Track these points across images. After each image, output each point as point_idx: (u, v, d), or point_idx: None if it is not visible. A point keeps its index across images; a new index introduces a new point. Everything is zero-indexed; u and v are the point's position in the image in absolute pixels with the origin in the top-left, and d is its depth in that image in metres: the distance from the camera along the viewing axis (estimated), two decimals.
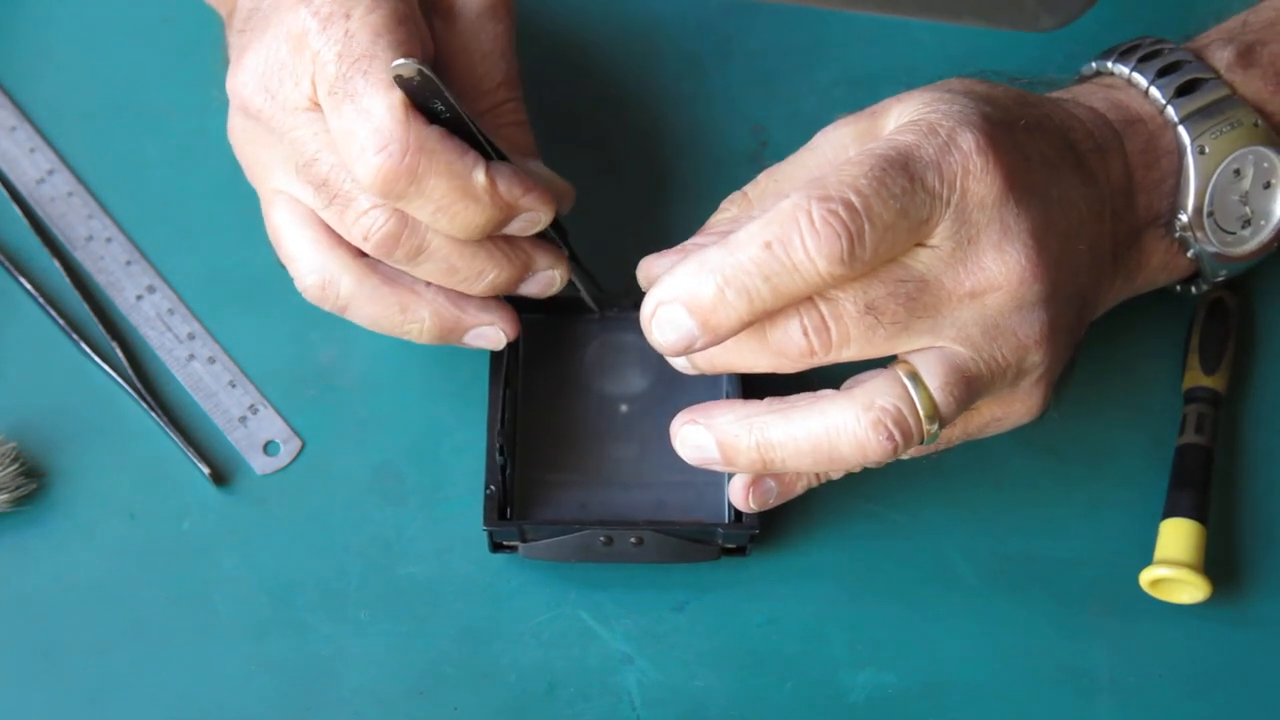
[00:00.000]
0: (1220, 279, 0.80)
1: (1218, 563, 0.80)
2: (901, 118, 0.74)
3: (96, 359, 0.83)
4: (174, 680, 0.78)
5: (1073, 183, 0.74)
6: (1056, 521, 0.81)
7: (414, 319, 0.77)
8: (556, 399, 0.81)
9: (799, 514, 0.81)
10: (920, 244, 0.71)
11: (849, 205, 0.69)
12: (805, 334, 0.71)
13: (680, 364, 0.75)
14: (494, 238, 0.76)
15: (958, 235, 0.71)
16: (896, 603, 0.80)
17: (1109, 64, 0.80)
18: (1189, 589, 0.79)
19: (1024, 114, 0.75)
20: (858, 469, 0.75)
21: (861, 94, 0.89)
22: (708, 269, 0.70)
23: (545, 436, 0.81)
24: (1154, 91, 0.79)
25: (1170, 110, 0.78)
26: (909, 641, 0.79)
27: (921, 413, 0.71)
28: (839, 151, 0.76)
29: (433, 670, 0.78)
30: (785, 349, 0.71)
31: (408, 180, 0.72)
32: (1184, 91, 0.79)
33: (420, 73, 0.71)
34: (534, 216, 0.75)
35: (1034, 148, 0.74)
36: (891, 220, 0.69)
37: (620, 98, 0.89)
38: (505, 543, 0.79)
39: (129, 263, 0.86)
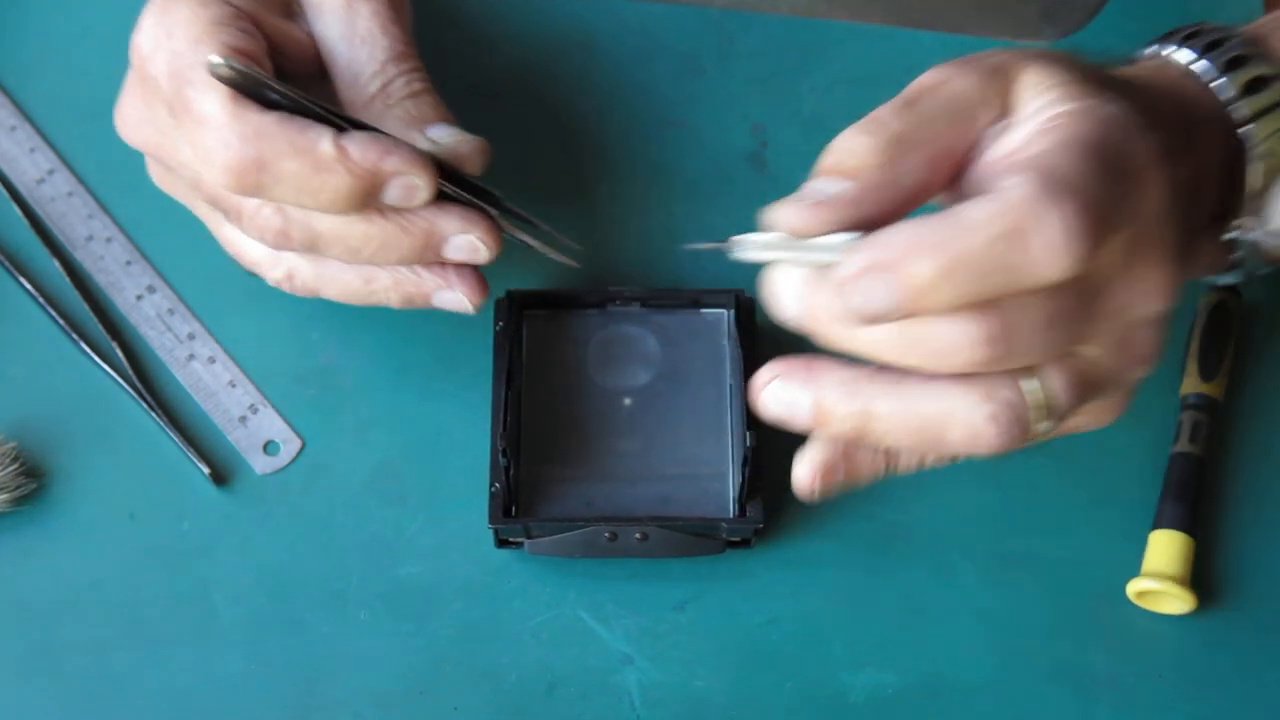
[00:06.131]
0: (1259, 275, 0.77)
1: (1217, 562, 0.80)
2: (1042, 97, 0.67)
3: (96, 359, 0.83)
4: (174, 680, 0.78)
5: (1181, 193, 0.70)
6: (1056, 521, 0.81)
7: (380, 288, 0.77)
8: (560, 394, 0.82)
9: (800, 512, 0.81)
10: None
11: (1097, 207, 0.63)
12: (978, 345, 0.65)
13: (793, 319, 0.67)
14: (384, 210, 0.75)
15: (1130, 247, 0.66)
16: (896, 603, 0.80)
17: (1172, 50, 0.75)
18: (1175, 601, 0.79)
19: (1156, 116, 0.69)
20: (948, 460, 0.71)
21: (861, 94, 0.89)
22: (926, 248, 0.63)
23: (549, 432, 0.81)
24: (1218, 86, 0.74)
25: (1238, 108, 0.74)
26: (909, 641, 0.79)
27: (1042, 411, 0.67)
28: (967, 107, 0.68)
29: (433, 670, 0.78)
30: (947, 352, 0.65)
31: (256, 169, 0.72)
32: (1250, 89, 0.74)
33: (232, 67, 0.71)
34: (407, 182, 0.74)
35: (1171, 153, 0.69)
36: (1122, 222, 0.65)
37: (620, 97, 0.89)
38: (510, 539, 0.79)
39: (129, 263, 0.86)
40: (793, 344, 0.84)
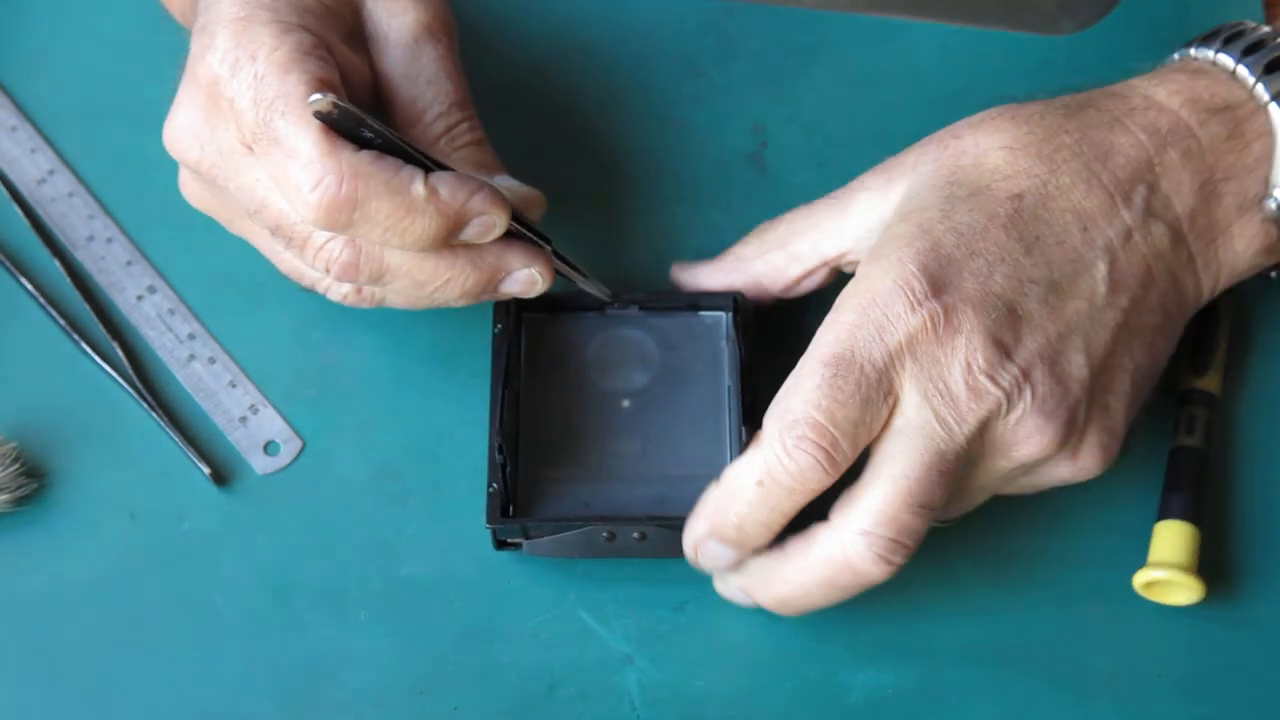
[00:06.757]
0: None
1: (1216, 562, 0.80)
2: (889, 226, 0.76)
3: (97, 359, 0.83)
4: (174, 680, 0.78)
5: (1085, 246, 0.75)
6: (1056, 521, 0.81)
7: (441, 297, 0.77)
8: (559, 395, 0.82)
9: (799, 512, 0.80)
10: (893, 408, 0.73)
11: (815, 425, 0.72)
12: (878, 560, 0.74)
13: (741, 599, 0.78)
14: (455, 246, 0.76)
15: (921, 388, 0.73)
16: (896, 603, 0.80)
17: (1191, 51, 0.79)
18: (1183, 591, 0.79)
19: (1013, 203, 0.75)
20: None
21: (861, 94, 0.89)
22: (720, 515, 0.74)
23: (548, 433, 0.81)
24: (1241, 71, 0.78)
25: (1260, 88, 0.77)
26: (909, 641, 0.79)
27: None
28: (866, 214, 0.78)
29: (433, 670, 0.78)
30: (857, 567, 0.74)
31: (349, 209, 0.72)
32: (1273, 69, 0.77)
33: (336, 105, 0.71)
34: (488, 220, 0.75)
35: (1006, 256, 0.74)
36: (857, 415, 0.72)
37: (620, 98, 0.90)
38: (509, 540, 0.79)
39: (129, 263, 0.86)
40: (792, 344, 0.85)
